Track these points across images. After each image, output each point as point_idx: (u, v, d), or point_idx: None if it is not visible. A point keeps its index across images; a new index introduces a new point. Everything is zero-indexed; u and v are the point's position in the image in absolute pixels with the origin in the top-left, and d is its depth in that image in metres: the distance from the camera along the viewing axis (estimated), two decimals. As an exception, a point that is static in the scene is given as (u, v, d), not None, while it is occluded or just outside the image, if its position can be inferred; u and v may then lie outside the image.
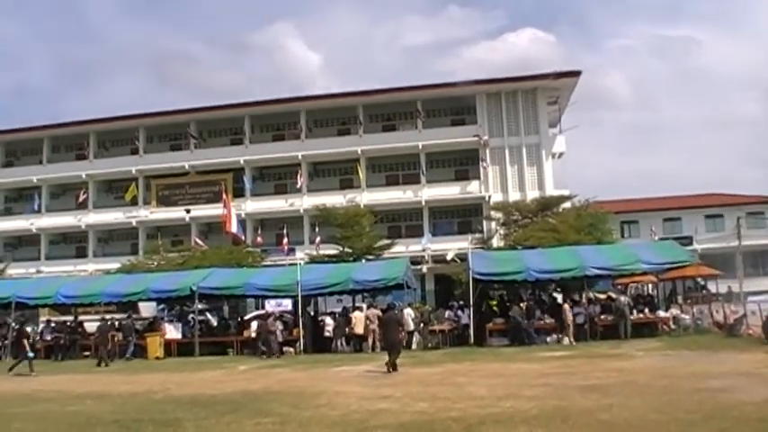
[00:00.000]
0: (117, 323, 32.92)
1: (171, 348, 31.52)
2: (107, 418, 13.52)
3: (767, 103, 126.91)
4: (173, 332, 32.73)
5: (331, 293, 34.00)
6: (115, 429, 12.23)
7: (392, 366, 20.50)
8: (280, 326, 30.28)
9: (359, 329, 29.80)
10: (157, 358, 30.37)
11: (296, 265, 32.39)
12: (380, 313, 30.97)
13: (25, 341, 26.13)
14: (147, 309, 36.75)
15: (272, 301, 38.86)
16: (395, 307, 28.35)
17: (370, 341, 29.71)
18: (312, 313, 33.80)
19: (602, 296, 34.22)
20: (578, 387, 15.10)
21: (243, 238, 48.74)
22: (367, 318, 30.11)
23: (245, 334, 31.92)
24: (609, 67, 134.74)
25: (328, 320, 31.65)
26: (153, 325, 34.05)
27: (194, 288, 31.61)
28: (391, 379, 18.70)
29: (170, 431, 11.80)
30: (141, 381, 21.17)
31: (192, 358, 29.45)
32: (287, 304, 36.86)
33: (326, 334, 31.24)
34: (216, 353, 30.80)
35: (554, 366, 20.06)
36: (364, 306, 33.18)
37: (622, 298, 31.07)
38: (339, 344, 30.53)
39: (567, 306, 29.64)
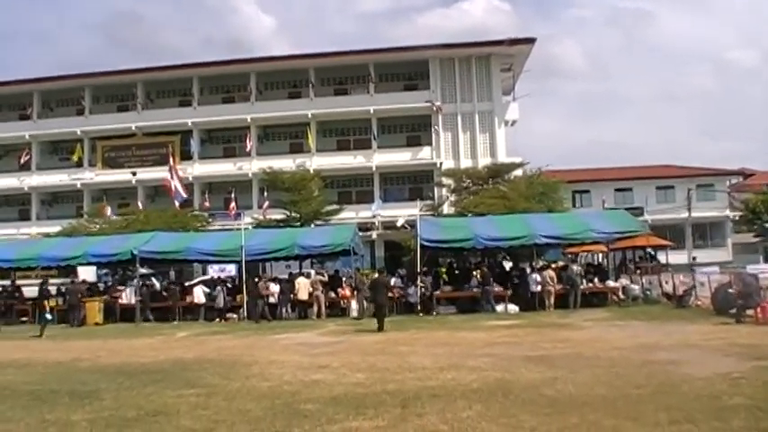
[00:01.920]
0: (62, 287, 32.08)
1: (114, 314, 30.66)
2: (24, 388, 12.75)
3: (718, 77, 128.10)
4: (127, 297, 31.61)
5: (276, 259, 33.38)
6: (28, 401, 11.44)
7: (381, 327, 21.88)
8: (275, 288, 29.41)
9: (302, 295, 29.08)
10: (96, 324, 29.51)
11: (240, 229, 31.44)
12: (325, 279, 30.70)
13: None
14: (87, 273, 35.72)
15: (216, 266, 38.52)
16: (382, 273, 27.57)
17: (315, 308, 29.06)
18: (256, 279, 33.07)
19: (555, 265, 33.98)
20: (524, 358, 14.61)
21: (183, 199, 47.45)
22: (312, 284, 29.44)
23: (189, 299, 31.09)
24: (564, 37, 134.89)
25: (273, 286, 30.96)
26: (92, 290, 33.17)
27: (135, 252, 30.69)
28: (330, 347, 18.10)
29: (85, 403, 11.05)
30: (73, 348, 20.36)
31: (132, 324, 28.63)
32: (230, 270, 36.47)
33: (271, 300, 30.52)
34: (159, 319, 30.07)
35: (501, 336, 19.57)
36: (312, 272, 32.67)
37: (574, 267, 30.84)
38: (284, 311, 29.80)
39: (551, 272, 29.21)
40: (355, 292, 28.55)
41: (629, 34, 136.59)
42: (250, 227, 39.48)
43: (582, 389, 10.94)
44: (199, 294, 30.46)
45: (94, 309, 30.28)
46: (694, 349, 15.14)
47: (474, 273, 30.00)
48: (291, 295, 29.60)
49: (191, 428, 9.25)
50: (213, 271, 39.80)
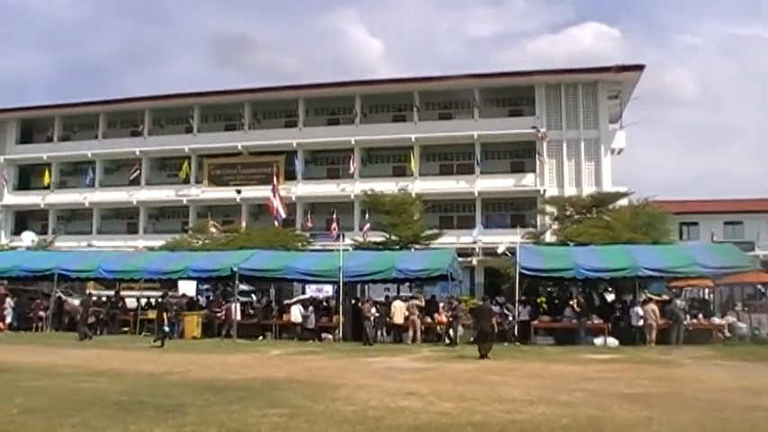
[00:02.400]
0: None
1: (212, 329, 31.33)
2: (112, 398, 12.89)
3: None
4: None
5: (374, 281, 33.27)
6: (114, 411, 11.53)
7: (484, 355, 21.84)
8: (375, 312, 29.03)
9: (398, 319, 28.92)
10: (194, 338, 30.05)
11: (339, 250, 31.48)
12: (421, 303, 30.39)
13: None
14: (187, 287, 36.32)
15: (313, 286, 38.63)
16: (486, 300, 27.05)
17: (411, 332, 28.82)
18: (354, 301, 33.03)
19: (658, 298, 32.91)
20: (619, 395, 13.99)
21: (283, 219, 47.92)
22: (408, 308, 29.23)
23: (285, 318, 31.28)
24: (675, 65, 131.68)
25: (371, 309, 30.85)
26: (192, 304, 33.73)
27: (235, 269, 31.06)
28: (420, 374, 17.80)
29: (169, 417, 11.02)
30: (167, 360, 20.64)
31: (229, 340, 28.96)
32: (328, 290, 36.53)
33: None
34: (255, 335, 30.52)
35: (597, 370, 18.96)
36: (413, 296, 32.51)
37: (677, 301, 29.75)
38: (379, 333, 29.62)
39: (653, 306, 28.14)
40: (450, 319, 27.95)
41: (743, 62, 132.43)
42: (350, 248, 39.45)
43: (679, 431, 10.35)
44: (296, 313, 30.58)
45: (193, 323, 30.80)
46: (804, 395, 14.26)
47: (571, 303, 29.18)
48: (387, 318, 29.45)
49: (268, 450, 9.09)
50: (311, 291, 40.00)
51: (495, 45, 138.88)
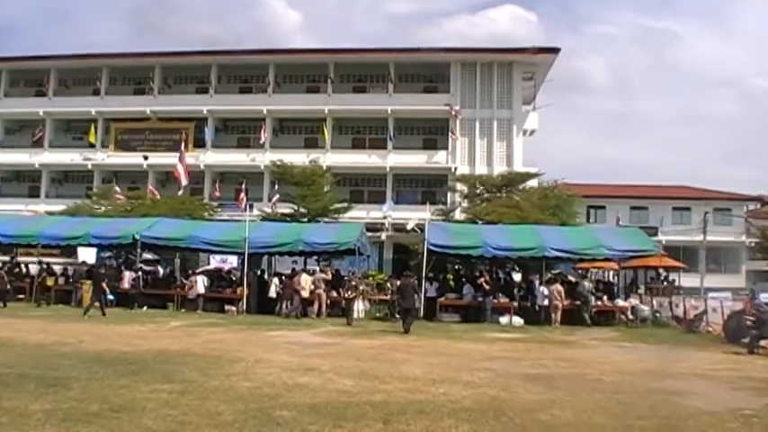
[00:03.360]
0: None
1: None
2: (-7, 370, 12.12)
3: (741, 103, 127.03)
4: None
5: (280, 253, 32.90)
6: (-9, 384, 10.81)
7: (406, 330, 22.17)
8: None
9: (304, 293, 28.39)
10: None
11: (245, 221, 30.86)
12: (328, 277, 29.95)
13: None
14: (87, 254, 35.10)
15: (218, 257, 37.88)
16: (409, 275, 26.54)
17: (316, 306, 28.35)
18: (259, 273, 32.44)
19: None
20: (522, 375, 13.83)
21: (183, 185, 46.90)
22: (314, 282, 28.74)
23: (188, 289, 30.47)
24: (589, 52, 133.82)
25: (274, 281, 30.32)
26: (90, 272, 32.64)
27: (137, 236, 30.34)
28: (323, 349, 17.37)
29: (50, 392, 10.34)
30: (60, 330, 19.76)
31: (128, 310, 28.11)
32: (232, 261, 35.87)
33: (271, 295, 29.90)
34: (158, 306, 29.57)
35: (502, 349, 18.83)
36: (317, 269, 32.01)
37: (586, 283, 29.99)
38: (284, 306, 29.12)
39: (558, 286, 28.30)
40: (350, 296, 27.07)
41: (655, 54, 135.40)
42: (257, 219, 38.76)
43: (580, 416, 10.13)
44: (199, 284, 29.79)
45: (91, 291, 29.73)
46: (703, 379, 14.28)
47: (479, 281, 29.15)
48: (293, 292, 28.94)
49: (151, 429, 8.52)
50: (215, 261, 39.20)
51: (413, 23, 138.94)
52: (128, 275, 31.03)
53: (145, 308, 29.05)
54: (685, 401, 11.58)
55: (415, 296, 24.78)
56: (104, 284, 26.46)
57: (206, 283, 29.95)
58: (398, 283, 25.81)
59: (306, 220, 42.16)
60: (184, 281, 31.10)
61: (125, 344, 16.84)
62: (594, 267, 39.97)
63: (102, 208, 45.52)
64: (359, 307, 28.23)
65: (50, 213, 44.87)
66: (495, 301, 28.41)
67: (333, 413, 9.57)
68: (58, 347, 15.73)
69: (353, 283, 27.56)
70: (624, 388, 12.78)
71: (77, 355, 14.46)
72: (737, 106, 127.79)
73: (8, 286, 29.30)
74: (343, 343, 19.17)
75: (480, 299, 28.28)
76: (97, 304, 25.33)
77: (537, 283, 30.53)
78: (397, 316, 25.47)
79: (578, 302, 27.96)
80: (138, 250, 31.08)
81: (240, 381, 12.05)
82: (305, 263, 34.57)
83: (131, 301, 29.38)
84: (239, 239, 29.61)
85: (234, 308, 29.16)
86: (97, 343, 16.94)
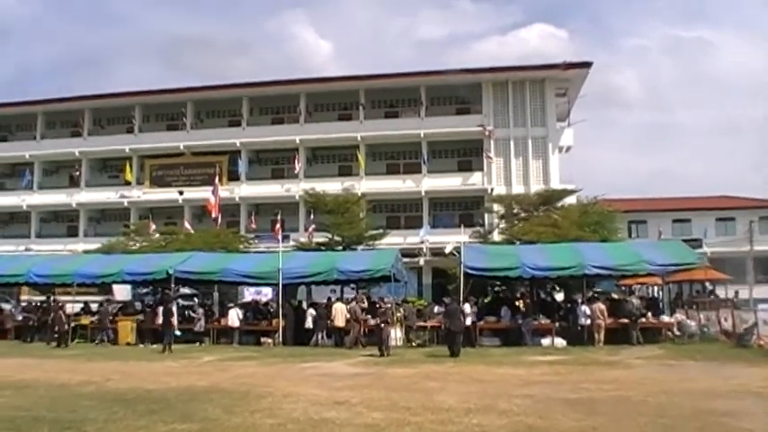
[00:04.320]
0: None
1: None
2: (7, 414, 11.78)
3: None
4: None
5: (314, 283, 32.42)
6: (2, 428, 10.40)
7: (455, 353, 22.77)
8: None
9: (339, 322, 27.88)
10: (128, 344, 28.82)
11: (278, 252, 30.50)
12: (364, 305, 29.44)
13: None
14: (121, 291, 34.97)
15: (252, 289, 37.52)
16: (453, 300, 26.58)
17: (352, 335, 27.77)
18: (296, 303, 32.03)
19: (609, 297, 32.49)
20: (563, 401, 13.19)
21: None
22: (350, 311, 28.20)
23: (223, 322, 30.09)
24: (621, 66, 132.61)
25: (310, 311, 29.84)
26: (126, 308, 32.49)
27: (171, 271, 30.02)
28: (355, 380, 16.83)
29: (63, 435, 9.94)
30: (88, 369, 19.51)
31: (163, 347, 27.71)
32: (267, 293, 35.47)
33: (308, 326, 29.42)
34: (193, 341, 29.29)
35: (542, 373, 18.17)
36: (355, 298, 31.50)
37: (634, 300, 29.16)
38: (320, 337, 28.64)
39: (600, 305, 27.52)
40: (382, 325, 25.37)
41: (689, 64, 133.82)
42: (291, 249, 38.37)
43: (622, 442, 9.50)
44: (233, 318, 29.39)
45: (127, 328, 29.65)
46: (755, 398, 13.50)
47: (517, 303, 28.44)
48: (328, 321, 28.46)
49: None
50: (249, 294, 38.86)
51: (443, 47, 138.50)
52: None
53: (198, 343, 29.13)
54: (737, 423, 10.88)
55: (462, 319, 24.50)
56: (173, 321, 26.86)
57: (240, 316, 29.52)
58: (445, 307, 25.87)
59: (341, 248, 41.68)
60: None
61: (153, 381, 16.45)
62: (638, 283, 39.00)
63: (137, 244, 45.43)
64: (396, 335, 27.52)
65: (87, 252, 44.91)
66: (536, 322, 27.69)
67: (355, 450, 9.03)
68: (81, 388, 15.39)
69: (383, 309, 26.65)
70: (670, 410, 12.10)
71: (100, 396, 14.08)
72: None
73: (66, 326, 29.02)
74: (376, 373, 18.62)
75: (519, 321, 27.59)
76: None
77: (579, 301, 29.69)
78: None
79: (626, 321, 27.15)
80: (172, 285, 30.72)
81: (264, 417, 11.56)
82: (341, 291, 34.09)
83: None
84: (273, 270, 29.28)
85: (270, 340, 28.73)
86: (124, 381, 16.60)
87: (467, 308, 27.24)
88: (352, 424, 11.00)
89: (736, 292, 38.05)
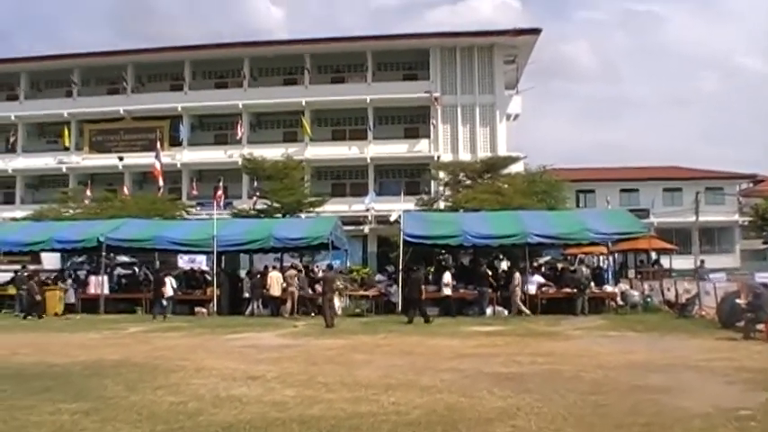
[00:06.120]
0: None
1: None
2: None
3: (727, 82, 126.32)
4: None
5: (250, 251, 31.70)
6: None
7: (409, 320, 23.33)
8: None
9: (274, 291, 26.99)
10: (56, 314, 27.63)
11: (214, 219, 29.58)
12: (299, 273, 28.71)
13: None
14: (51, 260, 33.75)
15: (186, 257, 36.53)
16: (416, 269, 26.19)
17: (289, 305, 26.92)
18: (231, 272, 31.18)
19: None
20: (492, 376, 12.49)
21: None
22: (286, 279, 27.34)
23: (161, 291, 29.08)
24: (573, 37, 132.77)
25: (246, 280, 29.02)
26: (57, 278, 31.36)
27: (102, 239, 28.92)
28: (280, 352, 16.05)
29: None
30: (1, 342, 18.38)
31: (95, 316, 26.86)
32: (201, 261, 34.61)
33: (246, 295, 28.60)
34: (127, 310, 28.49)
35: (477, 345, 17.50)
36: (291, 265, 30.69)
37: (583, 269, 28.77)
38: (255, 306, 27.82)
39: (518, 274, 27.17)
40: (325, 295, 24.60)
41: (640, 37, 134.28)
42: (230, 216, 37.42)
43: (546, 426, 8.75)
44: (168, 286, 28.38)
45: (55, 298, 28.46)
46: (694, 372, 12.90)
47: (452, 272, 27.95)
48: (264, 290, 27.61)
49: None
50: (183, 262, 37.79)
51: (397, 15, 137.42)
52: (94, 279, 29.80)
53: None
54: (673, 401, 10.21)
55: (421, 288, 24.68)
56: (164, 290, 26.84)
57: (174, 285, 28.51)
58: (408, 276, 25.98)
59: (281, 215, 40.69)
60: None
61: (63, 355, 15.48)
62: (583, 252, 38.69)
63: (71, 211, 43.99)
64: (336, 304, 26.74)
65: (15, 219, 43.41)
66: (475, 291, 27.17)
67: (249, 434, 8.24)
68: (-17, 362, 14.37)
69: (326, 278, 25.74)
70: (604, 386, 11.44)
71: (-2, 371, 13.10)
72: (724, 86, 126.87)
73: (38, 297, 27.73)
74: (304, 344, 17.85)
75: (461, 290, 27.17)
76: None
77: (522, 271, 29.21)
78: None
79: (571, 290, 26.84)
80: (103, 253, 29.65)
81: (166, 395, 10.73)
82: (280, 260, 33.27)
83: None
84: (208, 238, 28.53)
85: (204, 310, 27.95)
86: (33, 354, 15.65)
87: (447, 277, 26.85)
88: (259, 402, 10.22)
89: (702, 261, 37.84)
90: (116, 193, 50.33)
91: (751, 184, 67.71)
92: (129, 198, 46.08)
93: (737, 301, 19.81)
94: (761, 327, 18.07)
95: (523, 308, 26.38)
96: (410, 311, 23.73)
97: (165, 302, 26.77)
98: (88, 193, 48.21)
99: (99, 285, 29.32)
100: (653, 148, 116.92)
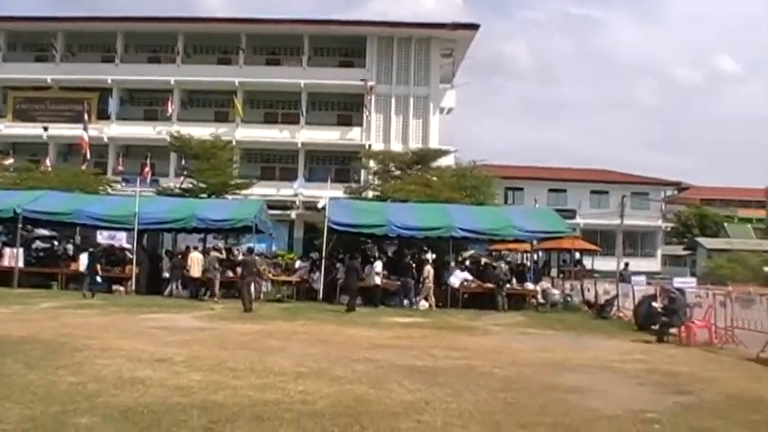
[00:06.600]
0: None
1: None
2: None
3: (662, 91, 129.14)
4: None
5: (172, 229, 31.24)
6: None
7: (350, 308, 23.48)
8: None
9: (194, 272, 26.58)
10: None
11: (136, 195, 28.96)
12: (222, 256, 28.38)
13: None
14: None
15: (105, 233, 35.75)
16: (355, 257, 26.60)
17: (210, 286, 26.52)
18: (152, 250, 30.61)
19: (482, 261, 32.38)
20: (405, 368, 12.42)
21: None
22: (207, 261, 26.90)
23: (74, 266, 28.40)
24: (513, 36, 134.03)
25: (165, 260, 28.52)
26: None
27: (18, 210, 28.06)
28: (192, 335, 15.79)
29: None
30: None
31: (8, 290, 25.94)
32: (121, 237, 33.94)
33: (165, 275, 28.12)
34: (42, 285, 27.55)
35: (393, 336, 17.48)
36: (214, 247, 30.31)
37: (503, 264, 29.03)
38: (174, 287, 27.37)
39: (429, 267, 27.28)
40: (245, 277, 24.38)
41: (578, 40, 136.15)
42: (153, 193, 36.74)
43: (452, 422, 8.66)
44: (83, 262, 27.71)
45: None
46: (607, 372, 13.03)
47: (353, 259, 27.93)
48: (184, 271, 27.16)
49: None
50: (102, 238, 36.92)
51: (341, 3, 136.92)
52: (9, 251, 28.83)
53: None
54: (582, 401, 10.25)
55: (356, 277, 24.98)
56: (98, 267, 26.14)
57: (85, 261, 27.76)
58: (345, 264, 26.40)
59: (206, 195, 40.05)
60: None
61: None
62: (508, 249, 39.06)
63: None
64: (257, 288, 26.43)
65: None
66: (398, 282, 27.25)
67: (146, 419, 7.98)
68: None
69: (245, 261, 25.39)
70: (516, 384, 11.41)
71: None
72: (658, 94, 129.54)
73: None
74: (219, 328, 17.62)
75: (385, 280, 27.13)
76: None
77: (444, 264, 29.32)
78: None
79: (492, 286, 27.03)
80: (19, 225, 28.80)
81: (66, 375, 10.38)
82: (204, 241, 32.83)
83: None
84: (129, 215, 27.91)
85: (122, 288, 27.31)
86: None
87: (378, 266, 26.77)
88: (163, 385, 9.94)
89: (627, 264, 38.36)
90: (38, 164, 48.94)
91: (676, 192, 69.25)
92: (50, 170, 44.81)
93: (654, 304, 20.11)
94: (674, 331, 18.42)
95: (431, 302, 26.49)
96: (351, 300, 23.94)
97: (99, 279, 26.03)
98: (9, 161, 46.68)
99: (13, 258, 28.42)
100: (591, 151, 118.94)
